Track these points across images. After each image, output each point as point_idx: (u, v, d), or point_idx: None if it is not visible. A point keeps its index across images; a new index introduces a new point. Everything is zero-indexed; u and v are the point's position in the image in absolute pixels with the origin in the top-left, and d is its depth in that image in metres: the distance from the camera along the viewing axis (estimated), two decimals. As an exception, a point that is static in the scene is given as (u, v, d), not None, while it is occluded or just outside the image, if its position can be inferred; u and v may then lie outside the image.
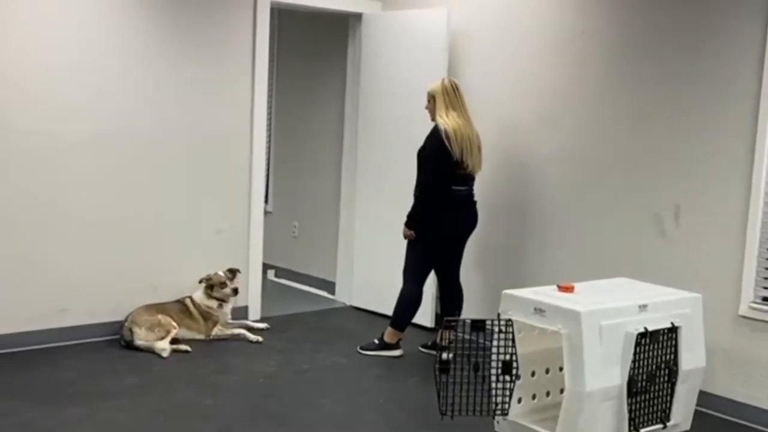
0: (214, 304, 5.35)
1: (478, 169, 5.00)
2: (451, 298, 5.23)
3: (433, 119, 4.93)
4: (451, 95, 4.86)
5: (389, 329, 5.16)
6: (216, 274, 5.38)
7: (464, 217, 5.06)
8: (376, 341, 5.20)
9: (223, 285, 5.36)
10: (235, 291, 5.39)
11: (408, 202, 5.62)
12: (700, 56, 4.39)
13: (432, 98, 4.92)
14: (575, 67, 5.00)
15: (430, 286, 5.61)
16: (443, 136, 4.78)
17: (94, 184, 5.09)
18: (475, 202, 5.10)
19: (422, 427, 4.04)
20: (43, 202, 4.92)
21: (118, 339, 5.08)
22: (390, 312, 5.27)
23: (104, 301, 5.18)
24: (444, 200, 4.90)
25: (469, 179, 5.00)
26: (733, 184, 4.29)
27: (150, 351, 4.94)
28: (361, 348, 5.22)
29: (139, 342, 4.98)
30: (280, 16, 6.88)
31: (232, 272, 5.45)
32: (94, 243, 5.13)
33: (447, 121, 4.81)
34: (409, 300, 5.10)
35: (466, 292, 5.29)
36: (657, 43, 4.59)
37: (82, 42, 4.96)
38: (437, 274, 5.29)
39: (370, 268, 6.16)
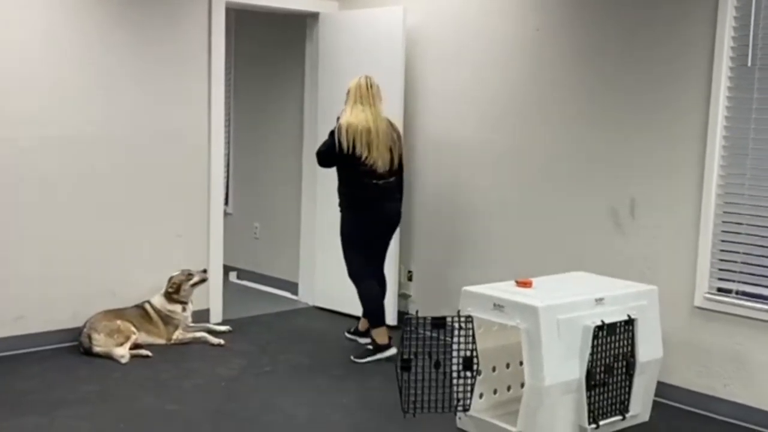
0: (177, 308, 5.29)
1: (382, 165, 4.96)
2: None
3: None
4: (363, 91, 4.98)
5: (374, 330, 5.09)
6: (176, 275, 5.31)
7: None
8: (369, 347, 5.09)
9: (189, 277, 5.31)
10: (204, 271, 5.39)
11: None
12: (655, 53, 4.45)
13: (347, 93, 5.05)
14: (531, 65, 5.04)
15: (392, 284, 5.62)
16: (336, 130, 4.97)
17: (49, 188, 5.02)
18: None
19: (385, 426, 4.04)
20: (-4, 209, 4.86)
21: (77, 346, 5.02)
22: (353, 311, 5.47)
23: (62, 307, 5.11)
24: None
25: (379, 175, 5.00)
26: (687, 177, 4.36)
27: (109, 357, 4.88)
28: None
29: (97, 348, 4.92)
30: (237, 16, 6.83)
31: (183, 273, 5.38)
32: (51, 248, 5.05)
33: (347, 116, 4.96)
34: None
35: (429, 290, 5.28)
36: (612, 41, 4.64)
37: (34, 45, 4.88)
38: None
39: (333, 268, 6.14)
